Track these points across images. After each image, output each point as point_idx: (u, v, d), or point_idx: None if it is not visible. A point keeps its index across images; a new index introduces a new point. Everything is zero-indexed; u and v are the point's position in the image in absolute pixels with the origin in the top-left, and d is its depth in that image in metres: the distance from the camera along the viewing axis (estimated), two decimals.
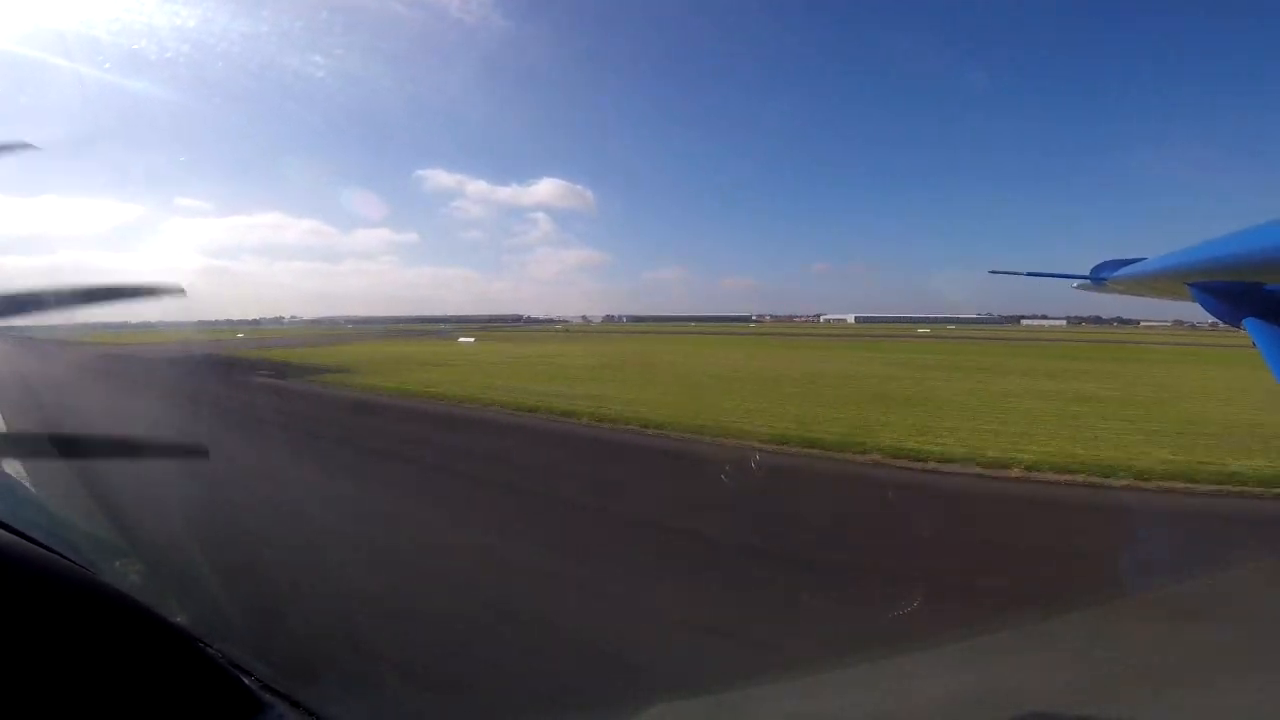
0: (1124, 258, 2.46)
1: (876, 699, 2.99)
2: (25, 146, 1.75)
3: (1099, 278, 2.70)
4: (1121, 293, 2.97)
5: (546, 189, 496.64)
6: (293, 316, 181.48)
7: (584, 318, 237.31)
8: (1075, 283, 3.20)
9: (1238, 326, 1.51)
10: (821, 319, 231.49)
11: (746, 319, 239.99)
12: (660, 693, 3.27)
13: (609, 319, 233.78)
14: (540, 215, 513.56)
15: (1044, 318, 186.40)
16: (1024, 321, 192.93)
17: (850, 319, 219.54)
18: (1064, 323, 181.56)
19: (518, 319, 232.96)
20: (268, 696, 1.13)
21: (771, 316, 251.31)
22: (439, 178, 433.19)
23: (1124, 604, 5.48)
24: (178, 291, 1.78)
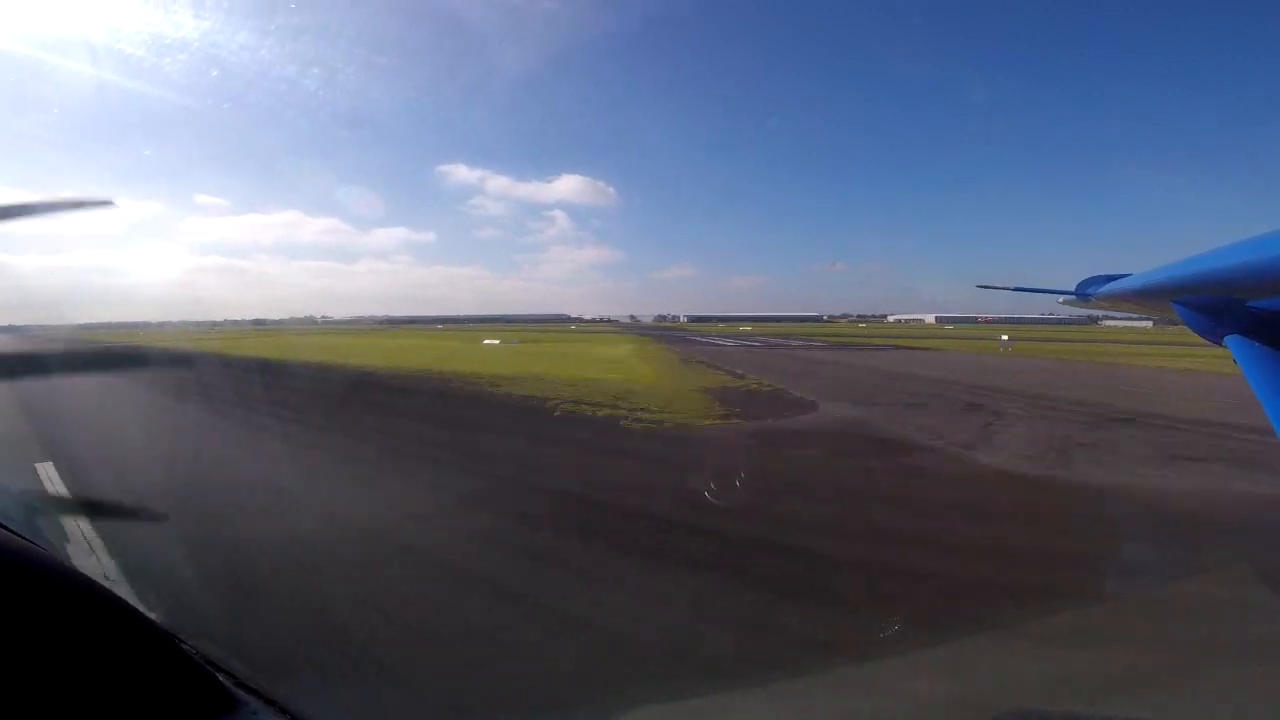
0: (1109, 273, 2.53)
1: (863, 701, 3.05)
2: (107, 204, 1.78)
3: (1084, 294, 2.70)
4: (1107, 309, 3.03)
5: (568, 185, 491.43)
6: (324, 317, 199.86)
7: (632, 317, 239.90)
8: (1061, 298, 3.20)
9: (1219, 343, 1.50)
10: (890, 319, 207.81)
11: (818, 319, 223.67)
12: (643, 697, 3.24)
13: (660, 319, 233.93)
14: (558, 213, 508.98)
15: (1107, 318, 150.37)
16: (1105, 323, 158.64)
17: (930, 319, 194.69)
18: (1150, 324, 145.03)
19: (565, 319, 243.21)
20: (241, 694, 1.14)
21: (830, 317, 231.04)
22: (460, 173, 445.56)
23: None
24: (106, 204, 1.78)
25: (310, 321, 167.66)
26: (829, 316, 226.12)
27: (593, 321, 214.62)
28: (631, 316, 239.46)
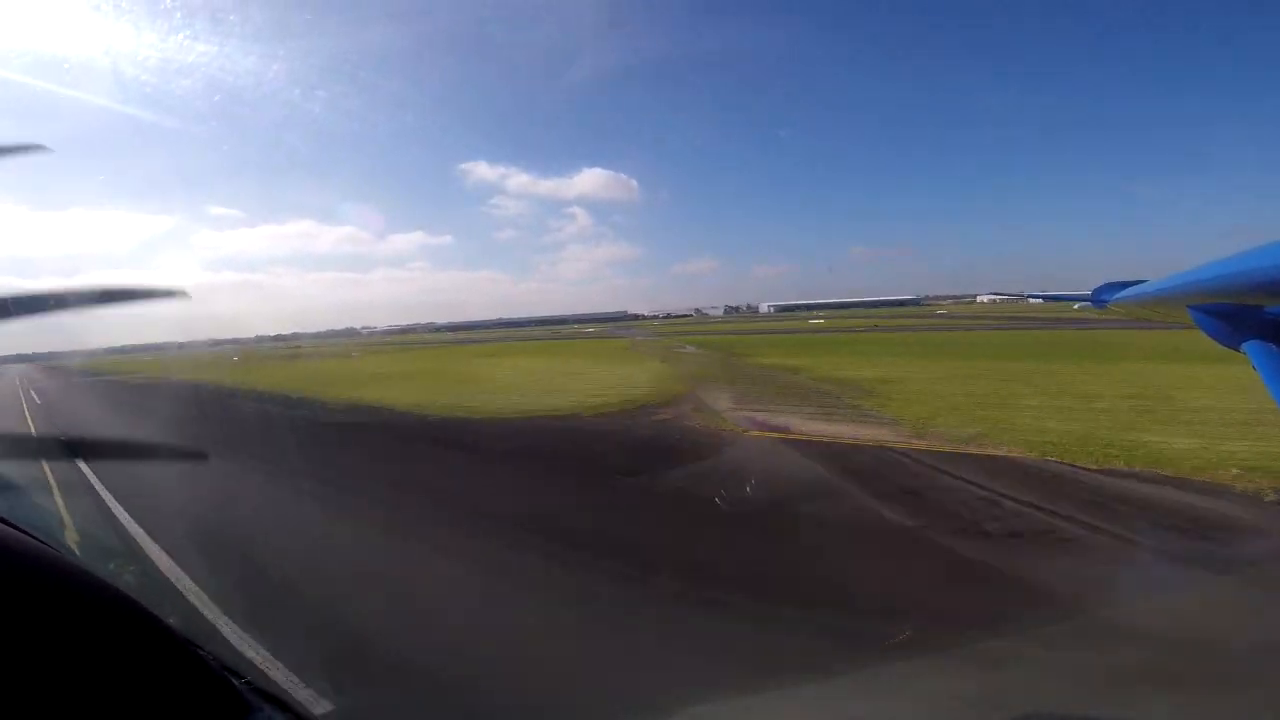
0: (1125, 279, 2.49)
1: (874, 705, 3.15)
2: (39, 148, 1.71)
3: (1100, 300, 2.68)
4: (1123, 315, 3.00)
5: (589, 180, 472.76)
6: (366, 327, 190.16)
7: (697, 310, 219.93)
8: (1077, 305, 5.65)
9: (1237, 349, 1.52)
10: (982, 299, 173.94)
11: (913, 302, 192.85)
12: (653, 703, 3.39)
13: (732, 311, 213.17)
14: (577, 209, 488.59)
15: None
16: None
17: (1035, 299, 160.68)
18: None
19: (623, 316, 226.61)
20: (257, 700, 1.14)
21: (953, 299, 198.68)
22: (481, 171, 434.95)
23: None
24: (181, 295, 1.77)
25: (351, 334, 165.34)
26: (927, 299, 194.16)
27: (655, 318, 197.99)
28: (696, 310, 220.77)
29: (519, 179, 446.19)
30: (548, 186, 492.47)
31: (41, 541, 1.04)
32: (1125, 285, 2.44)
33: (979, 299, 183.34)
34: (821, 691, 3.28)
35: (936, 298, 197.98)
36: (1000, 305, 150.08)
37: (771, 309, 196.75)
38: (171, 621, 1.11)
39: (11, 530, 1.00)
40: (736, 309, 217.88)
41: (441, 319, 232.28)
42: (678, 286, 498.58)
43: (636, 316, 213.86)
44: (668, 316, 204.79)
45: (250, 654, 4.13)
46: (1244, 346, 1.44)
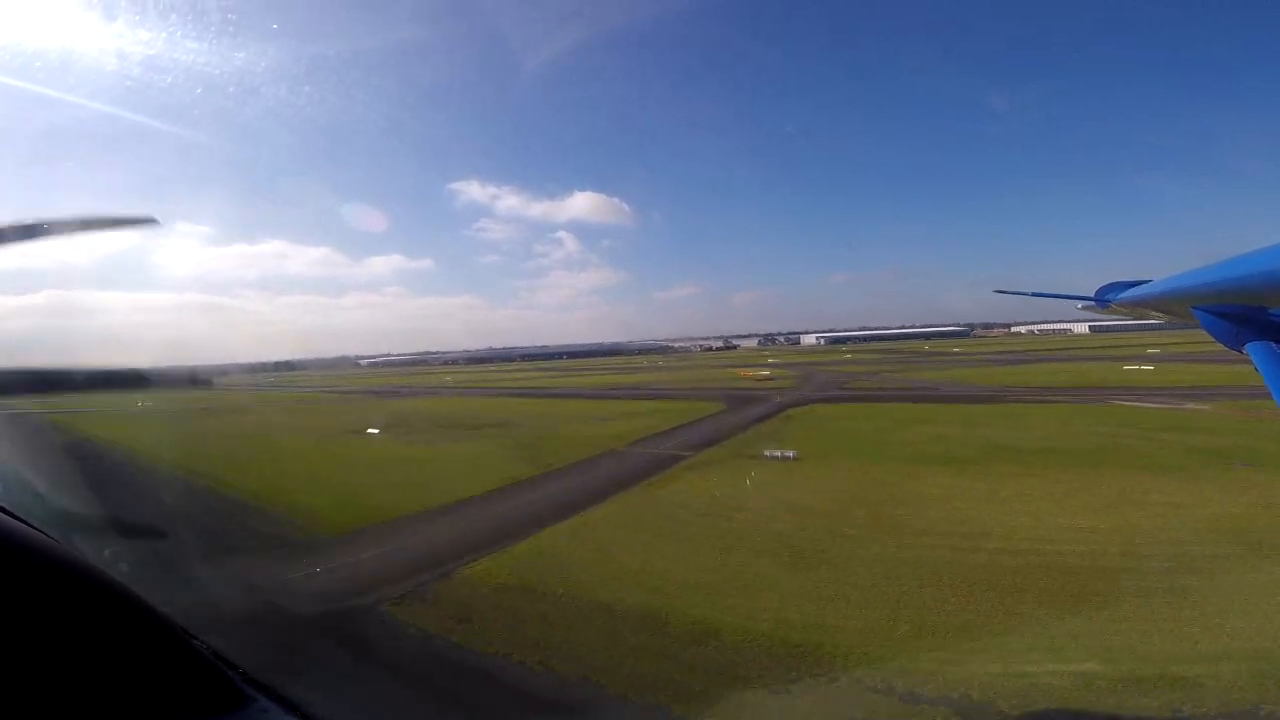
0: (1128, 279, 2.48)
1: (870, 701, 3.48)
2: (150, 222, 1.82)
3: (1103, 300, 2.75)
4: (1125, 315, 3.12)
5: (581, 203, 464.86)
6: (362, 357, 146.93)
7: (768, 338, 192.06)
8: (1080, 304, 3.37)
9: (1240, 350, 1.49)
10: (1022, 329, 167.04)
11: (965, 333, 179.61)
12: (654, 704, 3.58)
13: (766, 340, 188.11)
14: (564, 234, 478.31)
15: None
16: None
17: (1080, 328, 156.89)
18: None
19: (668, 348, 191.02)
20: (251, 690, 1.13)
21: (1001, 328, 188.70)
22: (472, 191, 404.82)
23: None
24: (150, 222, 1.86)
25: (347, 363, 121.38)
26: (976, 330, 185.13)
27: (694, 349, 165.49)
28: (724, 340, 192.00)
29: (510, 200, 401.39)
30: (539, 210, 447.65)
31: (41, 531, 1.02)
32: (1128, 285, 2.47)
33: (1016, 328, 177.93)
34: (817, 688, 3.54)
35: (987, 326, 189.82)
36: (1038, 338, 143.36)
37: (821, 340, 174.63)
38: (169, 612, 1.10)
39: (11, 520, 0.98)
40: (771, 338, 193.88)
41: (413, 347, 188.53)
42: (658, 312, 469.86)
43: (679, 348, 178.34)
44: (709, 349, 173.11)
45: None
46: (1247, 348, 1.42)
